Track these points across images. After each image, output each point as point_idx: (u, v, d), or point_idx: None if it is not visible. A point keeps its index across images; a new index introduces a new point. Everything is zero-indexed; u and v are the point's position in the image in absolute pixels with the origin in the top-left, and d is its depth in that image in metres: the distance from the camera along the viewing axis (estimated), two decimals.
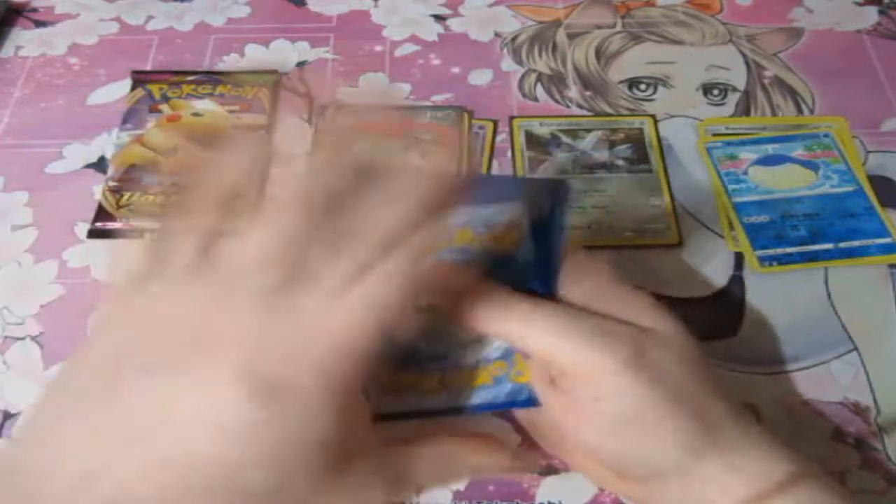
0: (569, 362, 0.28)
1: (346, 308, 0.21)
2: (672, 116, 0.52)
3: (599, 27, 0.58)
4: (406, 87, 0.53)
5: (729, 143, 0.50)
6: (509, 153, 0.49)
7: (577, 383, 0.28)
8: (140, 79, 0.53)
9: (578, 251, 0.30)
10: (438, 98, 0.53)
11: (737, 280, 0.44)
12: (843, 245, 0.44)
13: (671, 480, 0.28)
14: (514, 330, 0.28)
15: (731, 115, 0.52)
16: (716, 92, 0.53)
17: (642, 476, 0.29)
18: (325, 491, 0.22)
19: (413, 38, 0.57)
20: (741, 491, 0.27)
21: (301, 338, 0.21)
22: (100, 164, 0.49)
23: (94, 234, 0.45)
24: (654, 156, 0.49)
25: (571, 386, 0.28)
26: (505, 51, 0.56)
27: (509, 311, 0.28)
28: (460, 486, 0.37)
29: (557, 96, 0.53)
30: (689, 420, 0.28)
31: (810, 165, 0.48)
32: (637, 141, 0.50)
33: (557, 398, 0.29)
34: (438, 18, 0.58)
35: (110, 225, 0.45)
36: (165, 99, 0.51)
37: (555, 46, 0.56)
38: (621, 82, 0.54)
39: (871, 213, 0.46)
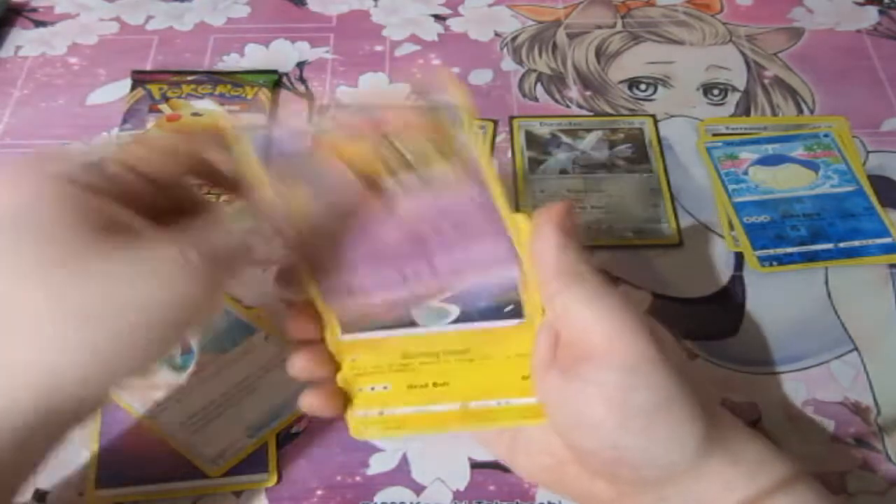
0: (604, 342, 0.27)
1: None
2: (672, 116, 0.52)
3: (599, 27, 0.58)
4: (406, 87, 0.53)
5: (729, 143, 0.50)
6: (509, 153, 0.49)
7: (602, 369, 0.27)
8: (140, 79, 0.53)
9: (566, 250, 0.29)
10: None
11: (737, 280, 0.44)
12: (843, 245, 0.44)
13: (676, 480, 0.27)
14: (556, 293, 0.28)
15: (731, 115, 0.52)
16: (716, 92, 0.53)
17: (649, 478, 0.28)
18: None
19: (413, 38, 0.57)
20: (743, 487, 0.27)
21: None
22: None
23: None
24: (654, 156, 0.49)
25: (597, 373, 0.27)
26: (505, 51, 0.56)
27: (557, 275, 0.28)
28: (460, 486, 0.37)
29: (557, 96, 0.53)
30: (701, 412, 0.27)
31: (810, 165, 0.48)
32: (637, 141, 0.50)
33: (573, 392, 0.27)
34: (438, 18, 0.58)
35: None
36: (165, 99, 0.51)
37: (555, 46, 0.56)
38: (621, 82, 0.54)
39: (872, 213, 0.46)
